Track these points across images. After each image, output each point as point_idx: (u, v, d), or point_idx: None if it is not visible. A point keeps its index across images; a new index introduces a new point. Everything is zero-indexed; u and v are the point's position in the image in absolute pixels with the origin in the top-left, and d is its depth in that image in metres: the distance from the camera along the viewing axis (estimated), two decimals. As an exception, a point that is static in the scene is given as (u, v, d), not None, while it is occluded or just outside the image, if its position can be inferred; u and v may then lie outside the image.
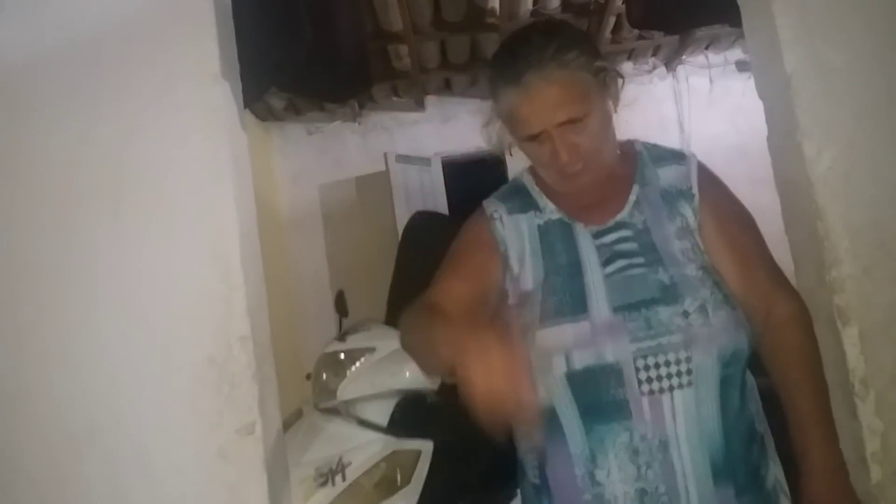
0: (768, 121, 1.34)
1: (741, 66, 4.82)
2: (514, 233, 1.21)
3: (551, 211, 1.21)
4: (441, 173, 4.91)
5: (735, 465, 1.08)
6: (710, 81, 4.96)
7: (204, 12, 1.29)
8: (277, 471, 1.31)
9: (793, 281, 1.24)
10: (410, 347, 1.15)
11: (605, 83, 1.17)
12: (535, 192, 1.24)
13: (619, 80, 1.20)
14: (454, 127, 4.97)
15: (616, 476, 1.07)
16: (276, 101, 4.53)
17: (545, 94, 1.11)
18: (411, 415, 2.32)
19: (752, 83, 1.39)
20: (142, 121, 1.30)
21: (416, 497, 2.13)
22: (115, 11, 1.31)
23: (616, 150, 1.23)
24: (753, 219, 1.21)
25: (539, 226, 1.20)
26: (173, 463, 1.25)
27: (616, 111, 1.20)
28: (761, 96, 1.35)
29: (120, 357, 1.26)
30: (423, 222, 2.93)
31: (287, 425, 2.22)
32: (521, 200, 1.24)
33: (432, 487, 2.16)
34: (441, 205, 4.77)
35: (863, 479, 1.15)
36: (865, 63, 1.23)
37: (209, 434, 1.24)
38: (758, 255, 1.18)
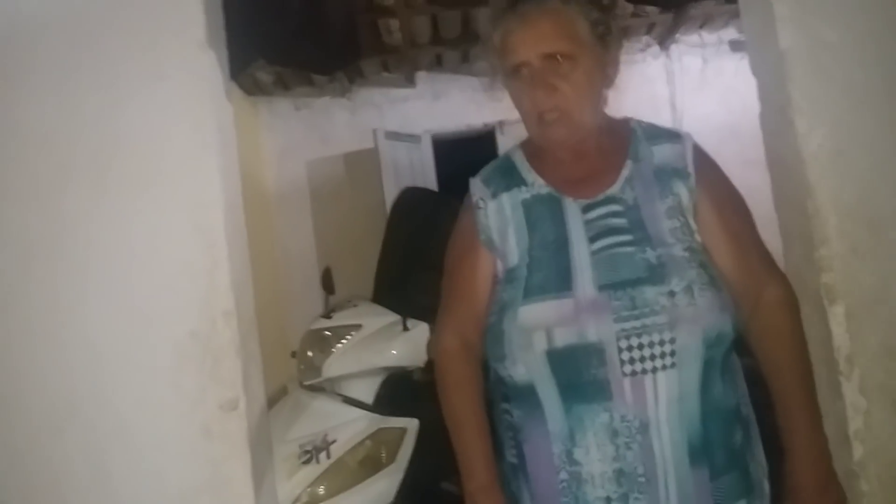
0: (761, 98, 1.33)
1: (735, 46, 4.79)
2: (497, 215, 1.20)
3: (539, 185, 1.19)
4: (431, 150, 4.87)
5: (713, 447, 1.08)
6: (704, 61, 4.94)
7: (188, -21, 1.26)
8: (261, 448, 1.31)
9: (780, 259, 1.24)
10: (445, 417, 1.23)
11: (602, 40, 1.16)
12: (525, 167, 1.23)
13: (619, 46, 1.20)
14: (445, 103, 4.92)
15: (594, 455, 1.07)
16: (264, 75, 4.47)
17: (537, 22, 1.13)
18: (397, 392, 2.32)
19: (745, 63, 1.38)
20: (123, 89, 1.27)
21: (401, 475, 2.14)
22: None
23: (602, 115, 1.22)
24: (745, 202, 1.21)
25: (524, 200, 1.19)
26: (155, 439, 1.24)
27: (614, 79, 1.20)
28: (755, 73, 1.34)
29: (101, 330, 1.25)
30: (412, 198, 2.91)
31: (272, 403, 2.22)
32: (507, 177, 1.23)
33: (417, 465, 2.17)
34: (430, 182, 4.74)
35: (845, 456, 1.15)
36: (860, 40, 1.22)
37: (192, 410, 1.23)
38: (751, 239, 1.17)
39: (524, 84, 1.15)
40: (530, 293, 1.11)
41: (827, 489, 1.08)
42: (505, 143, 4.63)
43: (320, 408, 2.23)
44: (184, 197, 1.26)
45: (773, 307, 1.14)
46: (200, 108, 1.27)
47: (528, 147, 1.26)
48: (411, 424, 2.22)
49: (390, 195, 4.09)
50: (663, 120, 4.65)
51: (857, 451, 1.15)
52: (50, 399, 1.24)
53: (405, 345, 2.30)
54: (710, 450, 1.07)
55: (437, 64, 4.93)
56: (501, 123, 4.71)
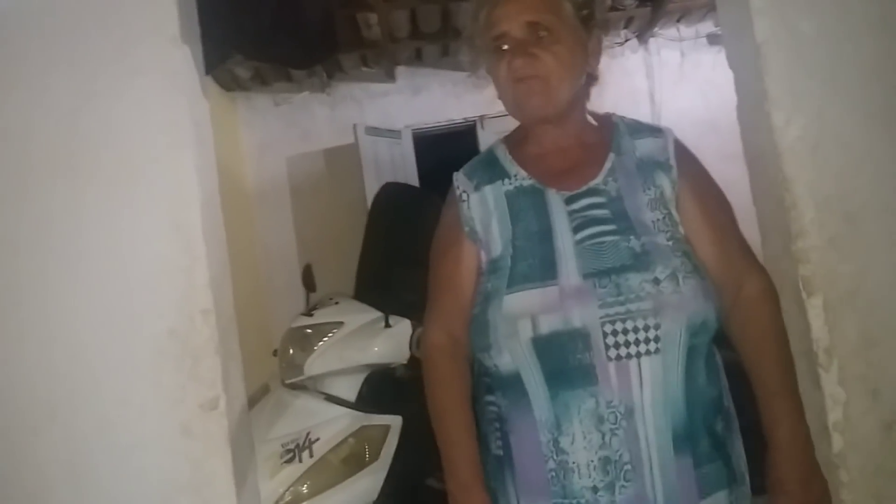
0: (738, 91, 1.34)
1: (712, 40, 4.83)
2: (480, 207, 1.21)
3: (522, 177, 1.20)
4: (412, 145, 4.86)
5: (696, 435, 1.08)
6: (682, 55, 4.97)
7: (161, -28, 1.25)
8: (242, 446, 1.30)
9: (759, 251, 1.25)
10: (430, 412, 1.22)
11: (585, 24, 1.18)
12: (507, 160, 1.23)
13: (601, 37, 1.22)
14: (425, 98, 4.91)
15: (580, 443, 1.07)
16: (242, 71, 4.43)
17: None
18: (380, 389, 2.31)
19: (722, 57, 1.38)
20: (97, 85, 1.25)
21: (385, 472, 2.13)
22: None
23: (584, 110, 1.23)
24: (725, 195, 1.22)
25: (507, 192, 1.19)
26: (135, 438, 1.23)
27: (596, 68, 1.21)
28: (731, 66, 1.35)
29: (79, 330, 1.24)
30: (392, 194, 2.90)
31: (254, 401, 2.20)
32: (490, 170, 1.24)
33: (401, 462, 2.16)
34: (412, 177, 4.73)
35: (824, 448, 1.16)
36: (836, 32, 1.23)
37: (172, 409, 1.22)
38: (732, 231, 1.18)
39: (504, 58, 1.15)
40: (515, 282, 1.11)
41: (810, 481, 1.09)
42: (486, 137, 4.63)
43: (302, 406, 2.21)
44: (161, 194, 1.25)
45: (754, 300, 1.15)
46: (175, 105, 1.26)
47: (510, 141, 1.27)
48: (395, 421, 2.21)
49: (371, 191, 4.07)
50: (643, 113, 4.68)
51: (837, 442, 1.16)
52: (30, 398, 1.23)
53: (387, 342, 2.29)
54: (693, 437, 1.08)
55: (417, 58, 4.91)
56: (482, 118, 4.70)
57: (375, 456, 2.14)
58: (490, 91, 1.23)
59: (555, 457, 1.08)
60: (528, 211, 1.16)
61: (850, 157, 1.20)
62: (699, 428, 1.09)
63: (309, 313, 2.40)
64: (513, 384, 1.12)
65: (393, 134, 4.78)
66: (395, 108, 4.91)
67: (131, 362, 1.23)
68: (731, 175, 1.41)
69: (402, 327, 2.31)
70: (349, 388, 2.27)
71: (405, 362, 2.33)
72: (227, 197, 1.39)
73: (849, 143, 1.20)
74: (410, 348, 2.28)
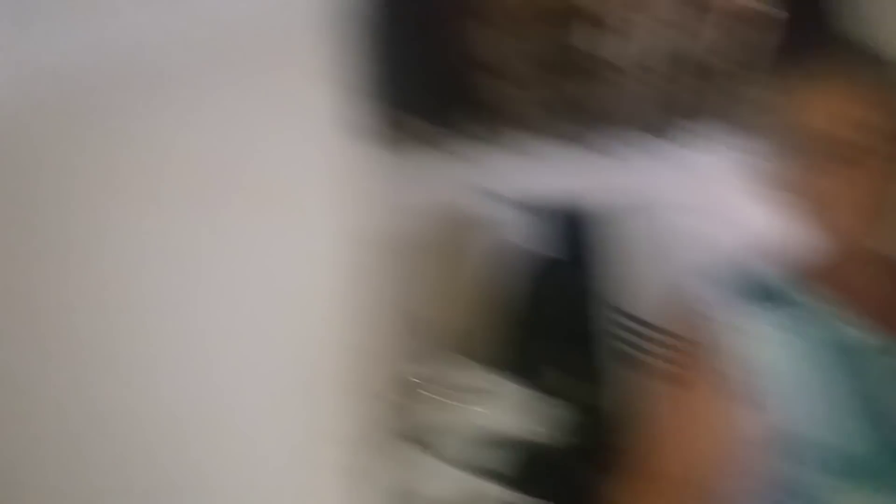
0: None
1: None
2: None
3: None
4: (534, 215, 4.79)
5: None
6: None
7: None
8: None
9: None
10: None
11: None
12: None
13: None
14: (549, 170, 4.86)
15: None
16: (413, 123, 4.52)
17: None
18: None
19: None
20: (261, 122, 1.29)
21: None
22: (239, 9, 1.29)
23: None
24: None
25: None
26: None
27: None
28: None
29: (215, 354, 1.25)
30: (533, 262, 2.87)
31: (366, 441, 2.19)
32: None
33: None
34: (534, 246, 4.66)
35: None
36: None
37: (295, 442, 1.24)
38: None
39: None
40: None
41: None
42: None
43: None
44: (313, 227, 1.31)
45: None
46: (334, 145, 1.33)
47: None
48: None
49: (492, 254, 4.06)
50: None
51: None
52: (165, 423, 1.22)
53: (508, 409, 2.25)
54: None
55: (546, 130, 4.91)
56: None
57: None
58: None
59: None
60: None
61: None
62: None
63: (424, 367, 2.40)
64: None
65: (516, 201, 4.77)
66: (518, 176, 4.90)
67: (264, 393, 1.25)
68: None
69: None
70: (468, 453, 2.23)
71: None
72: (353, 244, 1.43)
73: None
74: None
